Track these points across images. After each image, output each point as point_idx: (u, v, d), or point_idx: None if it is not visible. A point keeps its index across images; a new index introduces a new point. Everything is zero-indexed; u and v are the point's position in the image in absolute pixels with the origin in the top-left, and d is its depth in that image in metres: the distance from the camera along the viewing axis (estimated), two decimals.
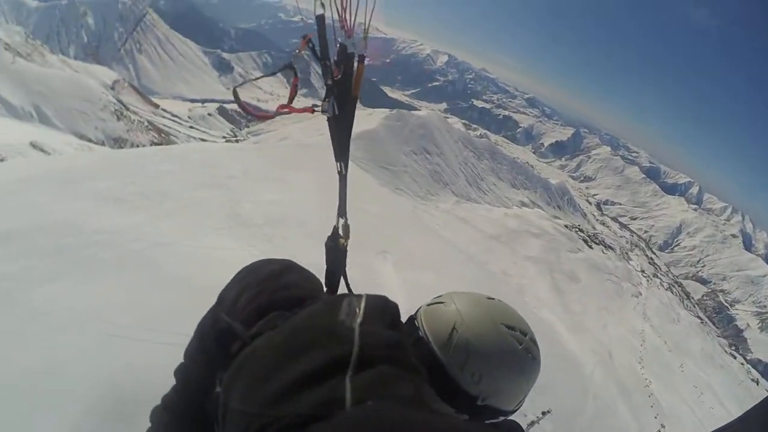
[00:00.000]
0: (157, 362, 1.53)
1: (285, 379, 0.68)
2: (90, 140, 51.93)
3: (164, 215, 4.70)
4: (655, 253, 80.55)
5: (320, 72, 1.11)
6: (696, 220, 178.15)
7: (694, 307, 55.71)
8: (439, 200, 31.21)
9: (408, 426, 0.57)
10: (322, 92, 1.15)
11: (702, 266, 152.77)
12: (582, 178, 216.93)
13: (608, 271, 34.79)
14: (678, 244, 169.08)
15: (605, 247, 44.30)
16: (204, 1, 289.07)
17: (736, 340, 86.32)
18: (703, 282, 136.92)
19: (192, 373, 1.09)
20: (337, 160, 1.24)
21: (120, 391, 2.07)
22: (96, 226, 3.83)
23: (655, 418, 16.76)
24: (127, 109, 68.50)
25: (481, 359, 0.87)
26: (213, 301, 1.14)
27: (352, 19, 1.05)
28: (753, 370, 43.34)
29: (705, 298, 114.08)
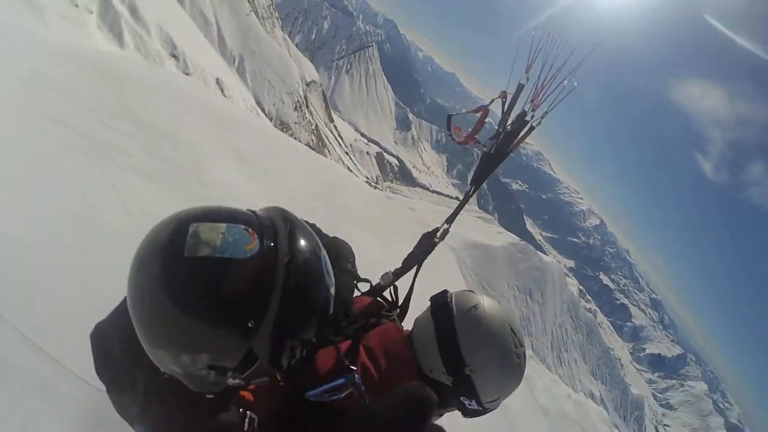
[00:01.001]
0: None
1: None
2: (263, 109, 59.24)
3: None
4: None
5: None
6: None
7: None
8: None
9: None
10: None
11: None
12: (663, 403, 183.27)
13: None
14: None
15: None
16: (420, 65, 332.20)
17: None
18: None
19: None
20: (470, 184, 1.58)
21: None
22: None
23: None
24: (307, 106, 77.96)
25: (482, 336, 1.09)
26: None
27: (542, 98, 1.44)
28: None
29: None
